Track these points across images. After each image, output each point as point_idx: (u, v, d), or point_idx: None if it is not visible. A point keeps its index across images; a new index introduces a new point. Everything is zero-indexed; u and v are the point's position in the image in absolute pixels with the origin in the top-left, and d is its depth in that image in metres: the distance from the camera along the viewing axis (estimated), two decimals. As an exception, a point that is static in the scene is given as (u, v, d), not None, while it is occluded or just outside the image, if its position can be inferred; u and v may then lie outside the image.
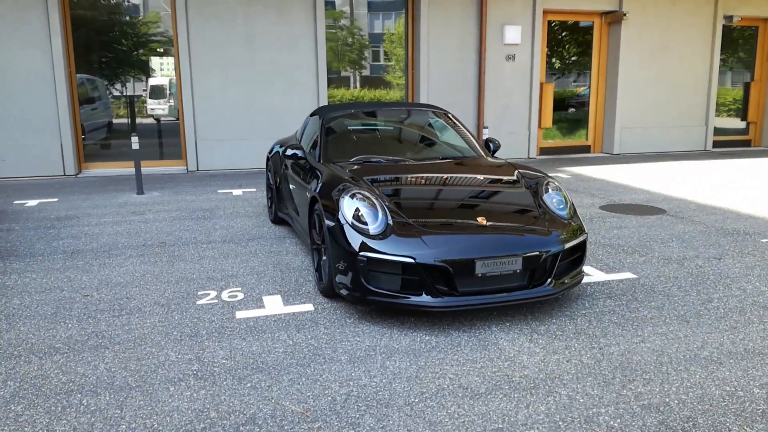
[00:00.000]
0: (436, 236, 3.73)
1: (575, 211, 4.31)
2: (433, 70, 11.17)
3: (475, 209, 4.13)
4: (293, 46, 10.44)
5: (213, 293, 4.43)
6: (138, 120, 10.91)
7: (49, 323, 3.89)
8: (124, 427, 2.72)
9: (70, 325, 3.85)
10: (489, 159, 5.24)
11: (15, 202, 7.84)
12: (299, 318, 3.94)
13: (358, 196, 4.02)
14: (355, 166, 4.80)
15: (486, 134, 9.39)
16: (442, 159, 5.17)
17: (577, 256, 4.12)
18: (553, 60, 12.41)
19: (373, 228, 3.82)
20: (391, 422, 2.74)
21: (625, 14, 11.79)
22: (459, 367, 3.27)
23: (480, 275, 3.68)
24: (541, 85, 11.97)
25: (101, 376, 3.18)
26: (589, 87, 12.59)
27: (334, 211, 4.02)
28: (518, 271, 3.75)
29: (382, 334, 3.69)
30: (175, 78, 10.41)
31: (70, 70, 9.80)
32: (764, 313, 3.99)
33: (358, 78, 11.68)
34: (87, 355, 3.44)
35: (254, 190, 8.62)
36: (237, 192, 8.46)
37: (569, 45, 12.61)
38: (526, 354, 3.42)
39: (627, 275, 4.77)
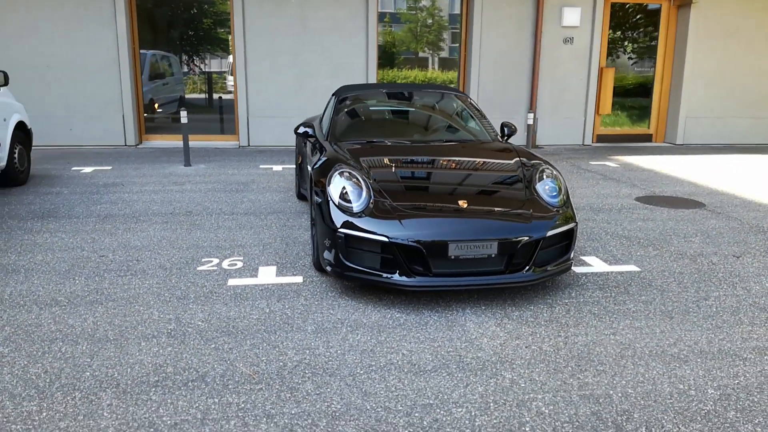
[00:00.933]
0: (414, 217, 3.79)
1: (568, 199, 4.24)
2: (485, 52, 11.02)
3: (460, 192, 4.13)
4: (343, 29, 10.57)
5: (215, 261, 4.67)
6: (217, 96, 11.40)
7: (60, 278, 4.24)
8: (88, 374, 2.97)
9: (77, 282, 4.19)
10: (496, 143, 5.19)
11: (73, 168, 8.45)
12: (285, 289, 4.11)
13: (346, 174, 4.12)
14: (357, 146, 4.89)
15: (530, 120, 9.20)
16: (447, 142, 5.16)
17: (564, 244, 4.06)
18: (626, 44, 11.93)
19: (356, 206, 3.92)
20: (328, 390, 2.86)
21: (694, -3, 11.15)
22: (417, 344, 3.34)
23: (453, 257, 3.72)
24: (601, 69, 11.55)
25: (86, 329, 3.47)
26: (654, 73, 12.03)
27: (323, 188, 4.14)
28: (493, 255, 3.75)
29: (356, 308, 3.80)
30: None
31: (133, 47, 10.35)
32: (758, 314, 3.81)
33: (436, 60, 11.67)
34: (82, 309, 3.74)
35: (293, 166, 8.87)
36: (277, 168, 8.74)
37: (634, 28, 12.07)
38: (488, 337, 3.44)
39: (630, 268, 4.64)
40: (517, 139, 11.21)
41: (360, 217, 3.85)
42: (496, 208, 3.95)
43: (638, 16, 11.98)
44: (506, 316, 3.73)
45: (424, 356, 3.21)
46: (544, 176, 4.32)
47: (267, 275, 4.36)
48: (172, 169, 8.46)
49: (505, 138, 5.51)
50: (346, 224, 3.86)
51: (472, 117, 5.61)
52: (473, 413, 2.69)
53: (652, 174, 8.72)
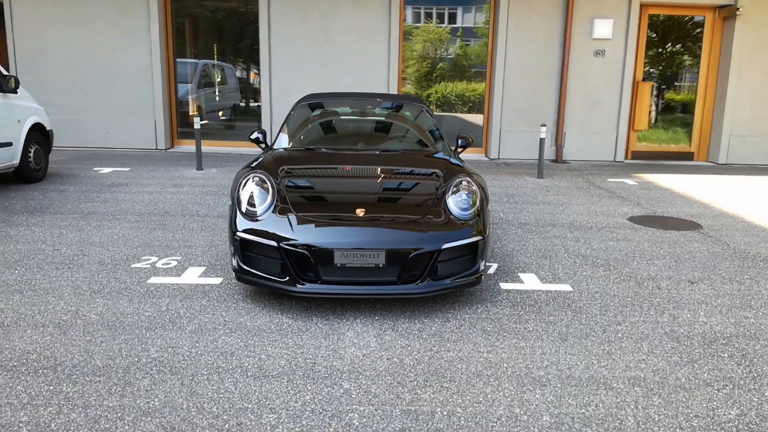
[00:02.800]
0: (306, 223, 3.80)
1: (481, 213, 4.11)
2: (511, 64, 10.82)
3: (365, 201, 4.09)
4: (366, 40, 10.69)
5: (154, 259, 4.85)
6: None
7: (2, 267, 4.55)
8: (-42, 355, 3.19)
9: (15, 271, 4.48)
10: (437, 155, 5.07)
11: (94, 168, 8.99)
12: (197, 289, 4.22)
13: (257, 180, 4.19)
14: (291, 152, 4.95)
15: (542, 134, 8.94)
16: (385, 151, 5.11)
17: (469, 257, 3.95)
18: (666, 58, 11.38)
19: (259, 211, 3.97)
20: (160, 388, 2.92)
21: (738, 9, 10.48)
22: (280, 350, 3.35)
23: (339, 265, 3.70)
24: (637, 83, 11.06)
25: (-11, 314, 3.71)
26: (696, 88, 11.38)
27: (235, 192, 4.22)
28: (381, 265, 3.70)
29: (249, 312, 3.85)
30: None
31: (167, 56, 10.91)
32: (664, 344, 3.54)
33: (461, 72, 11.63)
34: (1, 296, 4.00)
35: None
36: (283, 174, 8.92)
37: (675, 42, 11.48)
38: (357, 347, 3.39)
39: (563, 287, 4.43)
40: (547, 154, 10.91)
41: (258, 221, 3.91)
42: (395, 218, 3.89)
43: (680, 29, 11.39)
44: (393, 327, 3.66)
45: (278, 362, 3.21)
46: (460, 189, 4.21)
47: (191, 276, 4.49)
48: (182, 173, 8.83)
49: (458, 150, 5.40)
50: (246, 229, 3.91)
51: (425, 128, 5.54)
52: (281, 420, 2.68)
53: (667, 193, 8.25)
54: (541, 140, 9.03)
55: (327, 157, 4.89)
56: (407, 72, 11.29)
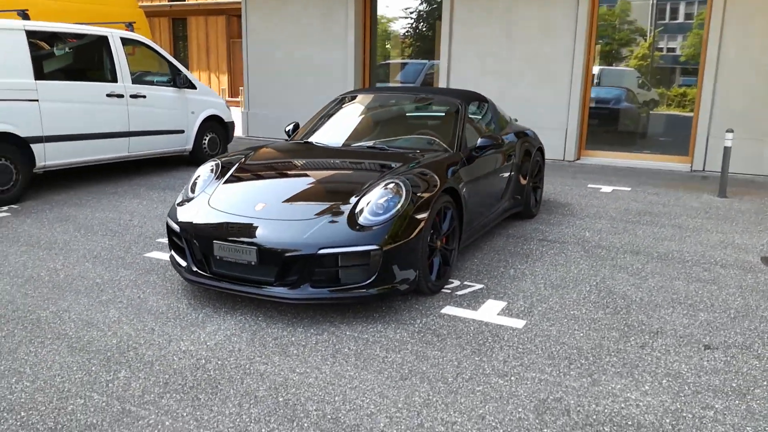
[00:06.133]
0: (206, 214, 3.83)
1: (400, 220, 3.59)
2: (728, 57, 8.77)
3: (275, 197, 3.91)
4: (550, 36, 9.79)
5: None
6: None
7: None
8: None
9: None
10: (426, 155, 4.47)
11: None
12: (159, 277, 4.53)
13: (211, 165, 4.34)
14: (277, 146, 4.99)
15: (727, 142, 7.07)
16: (374, 148, 4.73)
17: (362, 267, 3.50)
18: None
19: (192, 195, 4.13)
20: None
21: None
22: (138, 330, 3.48)
23: (218, 257, 3.65)
24: None
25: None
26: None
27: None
28: (253, 263, 3.53)
29: (180, 298, 3.98)
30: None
31: (364, 60, 11.58)
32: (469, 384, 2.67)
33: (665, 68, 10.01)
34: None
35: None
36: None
37: None
38: (186, 341, 3.33)
39: (513, 322, 3.61)
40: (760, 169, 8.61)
41: (182, 205, 4.06)
42: (288, 217, 3.66)
43: None
44: (261, 330, 3.47)
45: (107, 342, 3.33)
46: (383, 190, 3.73)
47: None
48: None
49: (473, 153, 4.71)
50: (174, 210, 4.09)
51: (453, 129, 4.88)
52: (14, 385, 2.83)
53: None
54: (726, 149, 7.20)
55: (301, 151, 4.80)
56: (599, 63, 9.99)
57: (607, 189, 7.66)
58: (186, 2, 24.65)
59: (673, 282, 4.38)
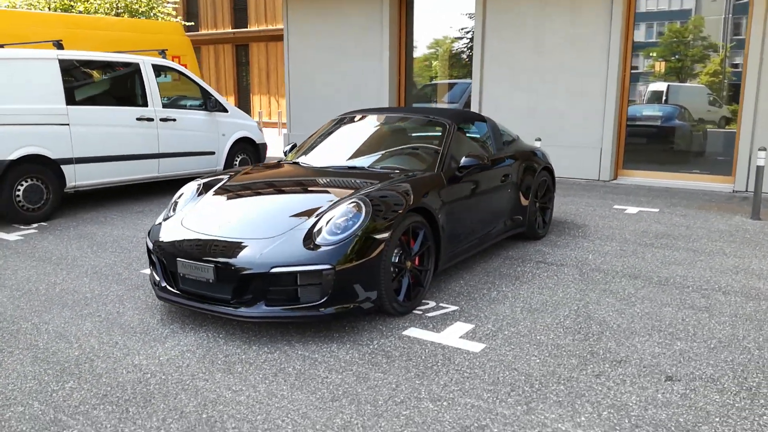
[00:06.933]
0: (174, 232, 3.96)
1: (358, 242, 3.59)
2: (771, 70, 8.30)
3: (253, 214, 4.01)
4: (582, 50, 9.56)
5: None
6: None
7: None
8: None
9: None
10: (404, 176, 4.43)
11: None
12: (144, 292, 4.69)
13: (195, 185, 4.49)
14: (265, 166, 5.10)
15: (760, 160, 6.65)
16: (359, 169, 4.74)
17: (314, 286, 3.52)
18: None
19: (172, 214, 4.28)
20: (-23, 349, 3.54)
21: None
22: (103, 344, 3.62)
23: (182, 275, 3.75)
24: None
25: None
26: None
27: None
28: (211, 280, 3.61)
29: (150, 312, 4.16)
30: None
31: (399, 80, 11.67)
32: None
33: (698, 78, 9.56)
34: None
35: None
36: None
37: None
38: (146, 356, 3.43)
39: (471, 346, 3.52)
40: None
41: (160, 224, 4.21)
42: (249, 236, 3.73)
43: None
44: (213, 349, 3.55)
45: (69, 353, 3.49)
46: (343, 210, 3.74)
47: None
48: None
49: (457, 173, 4.64)
50: (156, 228, 4.25)
51: (439, 150, 4.82)
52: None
53: None
54: (759, 168, 6.78)
55: (284, 172, 4.87)
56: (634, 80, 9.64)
57: (632, 210, 7.35)
58: (248, 29, 25.64)
59: (662, 308, 4.15)
